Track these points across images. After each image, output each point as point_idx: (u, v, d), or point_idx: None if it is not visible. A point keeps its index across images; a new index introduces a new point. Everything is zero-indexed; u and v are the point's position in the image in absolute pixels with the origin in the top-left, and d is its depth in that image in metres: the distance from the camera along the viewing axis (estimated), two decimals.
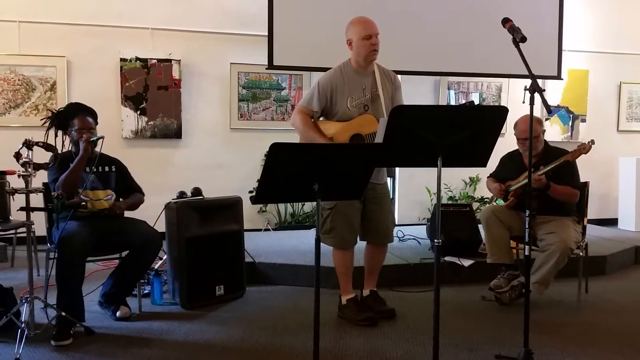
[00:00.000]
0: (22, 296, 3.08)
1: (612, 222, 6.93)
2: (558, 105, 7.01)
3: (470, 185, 6.79)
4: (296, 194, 2.49)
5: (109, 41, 5.79)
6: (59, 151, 3.22)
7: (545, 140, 3.90)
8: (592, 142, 3.69)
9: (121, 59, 5.79)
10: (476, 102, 6.52)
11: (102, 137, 3.31)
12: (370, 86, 3.37)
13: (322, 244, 2.42)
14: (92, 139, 3.31)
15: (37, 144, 3.00)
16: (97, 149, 3.35)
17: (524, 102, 2.75)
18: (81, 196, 3.37)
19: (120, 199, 3.62)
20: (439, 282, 2.43)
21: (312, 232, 5.30)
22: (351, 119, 3.31)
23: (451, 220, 4.69)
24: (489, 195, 6.11)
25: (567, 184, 3.74)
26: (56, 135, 3.48)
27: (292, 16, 5.35)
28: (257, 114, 6.27)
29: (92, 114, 3.53)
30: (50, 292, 3.38)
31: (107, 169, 3.56)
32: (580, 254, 3.96)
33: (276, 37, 5.28)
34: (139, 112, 5.86)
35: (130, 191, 3.64)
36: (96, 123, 3.53)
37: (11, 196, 3.01)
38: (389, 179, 3.72)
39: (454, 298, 3.91)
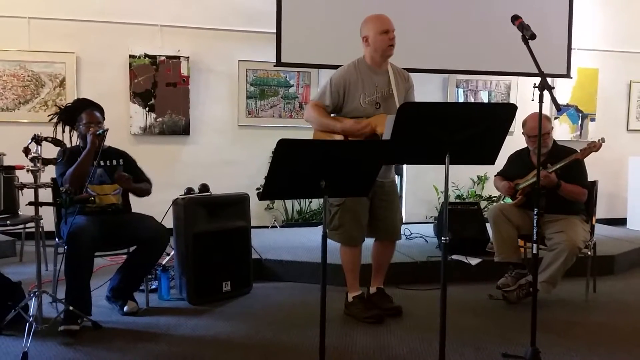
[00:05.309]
0: (30, 290, 3.10)
1: (621, 221, 6.89)
2: (567, 104, 6.97)
3: (478, 184, 6.77)
4: (303, 190, 2.49)
5: (118, 38, 5.81)
6: (67, 146, 3.24)
7: (553, 139, 3.88)
8: (603, 140, 3.67)
9: (130, 56, 5.82)
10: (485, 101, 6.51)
11: (107, 130, 3.36)
12: (383, 85, 3.35)
13: (329, 240, 2.42)
14: (98, 132, 3.33)
15: (45, 139, 3.01)
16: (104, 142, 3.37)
17: (533, 100, 2.73)
18: (88, 191, 3.38)
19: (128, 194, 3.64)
20: (446, 280, 2.43)
21: (318, 229, 5.31)
22: (364, 116, 3.30)
23: (458, 219, 4.67)
24: (497, 193, 6.10)
25: (576, 183, 3.72)
26: (63, 131, 3.51)
27: (301, 13, 5.35)
28: (265, 111, 6.28)
29: (100, 109, 3.56)
30: (59, 286, 3.40)
31: (114, 162, 3.58)
32: (589, 253, 3.93)
33: (284, 34, 5.28)
34: (147, 109, 5.89)
35: (139, 181, 3.63)
36: (103, 118, 3.54)
37: (20, 191, 3.03)
38: (396, 176, 3.70)
39: (461, 296, 3.90)
